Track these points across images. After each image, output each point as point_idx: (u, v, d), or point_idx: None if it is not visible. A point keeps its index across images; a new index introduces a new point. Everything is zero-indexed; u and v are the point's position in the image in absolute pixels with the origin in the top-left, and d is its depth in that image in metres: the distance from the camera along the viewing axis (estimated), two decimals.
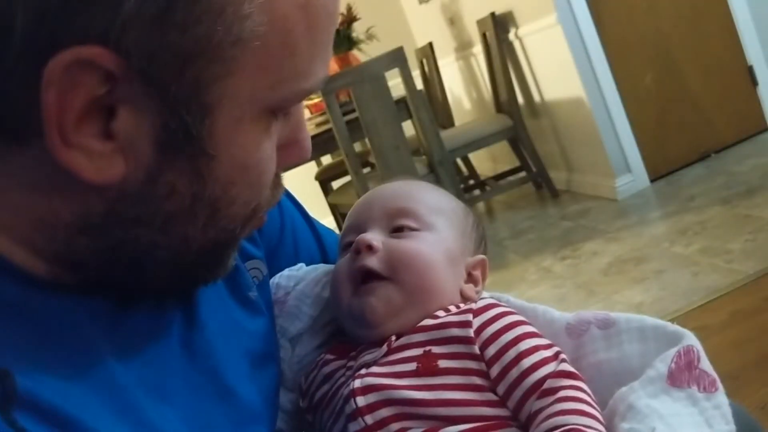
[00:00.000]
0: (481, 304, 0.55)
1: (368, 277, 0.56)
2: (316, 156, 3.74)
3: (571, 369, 0.51)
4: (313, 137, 3.13)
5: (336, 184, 4.06)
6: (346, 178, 3.65)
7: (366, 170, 3.32)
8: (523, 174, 3.72)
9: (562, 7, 3.04)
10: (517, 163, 3.81)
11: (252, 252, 0.61)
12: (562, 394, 0.48)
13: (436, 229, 0.59)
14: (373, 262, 0.56)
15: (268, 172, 0.46)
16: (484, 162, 4.59)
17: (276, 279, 0.63)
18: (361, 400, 0.50)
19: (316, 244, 0.70)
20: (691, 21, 3.17)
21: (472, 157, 4.16)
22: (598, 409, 0.48)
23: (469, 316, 0.53)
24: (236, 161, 0.43)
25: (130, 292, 0.47)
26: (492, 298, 0.61)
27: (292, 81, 0.43)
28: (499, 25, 3.50)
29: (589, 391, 0.50)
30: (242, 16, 0.38)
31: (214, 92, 0.40)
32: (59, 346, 0.42)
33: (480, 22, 3.68)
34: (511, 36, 3.52)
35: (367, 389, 0.51)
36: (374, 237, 0.57)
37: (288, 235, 0.67)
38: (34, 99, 0.37)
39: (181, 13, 0.37)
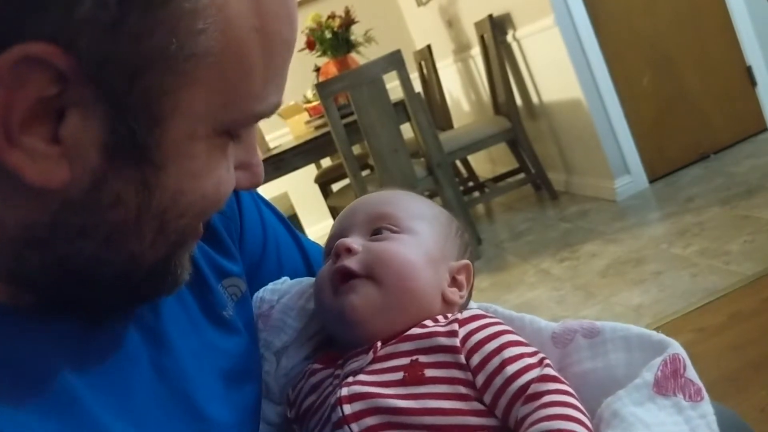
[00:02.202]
0: (467, 314, 0.56)
1: (348, 277, 0.56)
2: (315, 159, 3.75)
3: (555, 373, 0.51)
4: (312, 140, 3.16)
5: (336, 187, 4.06)
6: (346, 181, 3.65)
7: (365, 173, 3.32)
8: (521, 176, 3.72)
9: (559, 9, 3.04)
10: (515, 165, 3.81)
11: (229, 269, 0.60)
12: (547, 399, 0.48)
13: (416, 232, 0.60)
14: (351, 262, 0.56)
15: (226, 188, 0.46)
16: (483, 164, 4.59)
17: (260, 293, 0.63)
18: (347, 408, 0.51)
19: (300, 258, 0.70)
20: (689, 21, 3.17)
21: (471, 159, 4.16)
22: (585, 412, 0.48)
23: (455, 326, 0.54)
24: (186, 172, 0.42)
25: (90, 312, 0.46)
26: (479, 308, 0.61)
27: (246, 102, 0.43)
28: (497, 27, 3.50)
29: (575, 394, 0.49)
30: (196, 32, 0.38)
31: (166, 104, 0.40)
32: (17, 374, 0.42)
33: (478, 25, 3.68)
34: (509, 38, 3.52)
35: (353, 397, 0.51)
36: (354, 240, 0.58)
37: (271, 249, 0.67)
38: None
39: (134, 23, 0.37)
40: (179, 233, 0.45)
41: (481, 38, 3.68)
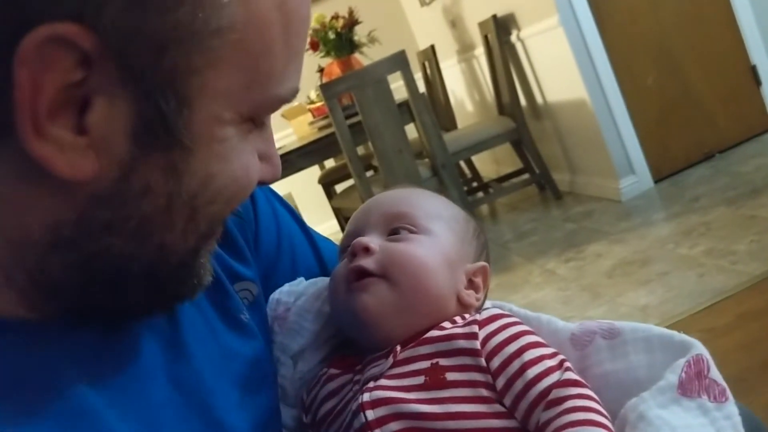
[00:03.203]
0: (485, 315, 0.55)
1: (363, 276, 0.56)
2: (319, 160, 3.74)
3: (576, 377, 0.50)
4: (316, 141, 3.16)
5: (339, 188, 4.06)
6: (350, 182, 3.65)
7: (369, 173, 3.32)
8: (526, 176, 3.71)
9: (564, 9, 3.04)
10: (519, 165, 3.81)
11: (242, 273, 0.60)
12: (569, 404, 0.48)
13: (434, 233, 0.59)
14: (367, 262, 0.56)
15: (255, 172, 0.46)
16: (487, 164, 4.58)
17: (276, 295, 0.63)
18: (370, 414, 0.50)
19: (314, 257, 0.69)
20: (693, 21, 3.16)
21: (475, 159, 4.16)
22: (608, 416, 0.48)
23: (475, 328, 0.53)
24: (216, 155, 0.42)
25: (111, 318, 0.46)
26: (495, 307, 0.60)
27: (267, 83, 0.43)
28: (501, 27, 3.50)
29: (596, 398, 0.49)
30: (220, 5, 0.38)
31: (193, 84, 0.39)
32: (34, 389, 0.41)
33: (482, 25, 3.68)
34: (513, 38, 3.52)
35: (376, 402, 0.51)
36: (371, 240, 0.58)
37: (286, 248, 0.66)
38: (8, 88, 0.36)
39: None
40: (209, 221, 0.45)
41: (485, 38, 3.67)
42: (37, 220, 0.41)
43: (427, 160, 3.24)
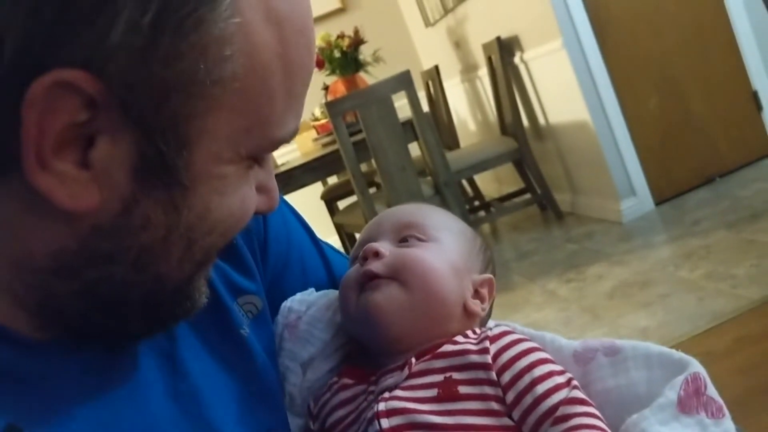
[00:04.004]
0: (496, 331, 0.57)
1: (374, 279, 0.58)
2: (322, 176, 3.76)
3: (583, 396, 0.52)
4: (320, 158, 3.18)
5: (342, 204, 4.07)
6: (352, 198, 3.67)
7: (371, 190, 3.34)
8: (527, 196, 3.73)
9: (567, 32, 3.07)
10: (521, 185, 3.83)
11: (246, 287, 0.61)
12: (575, 422, 0.49)
13: (442, 241, 0.61)
14: (378, 265, 0.58)
15: (251, 204, 0.47)
16: (489, 183, 4.61)
17: (288, 303, 0.64)
18: (385, 423, 0.52)
19: (324, 269, 0.70)
20: (695, 46, 3.20)
21: (477, 178, 4.18)
22: None
23: (487, 343, 0.55)
24: (213, 191, 0.44)
25: (111, 340, 0.47)
26: (501, 325, 0.62)
27: (267, 127, 0.44)
28: (505, 48, 3.53)
29: (601, 417, 0.50)
30: (224, 57, 0.40)
31: (194, 127, 0.41)
32: (45, 408, 0.43)
33: (486, 46, 3.71)
34: (517, 60, 3.55)
35: (391, 412, 0.52)
36: (381, 245, 0.60)
37: (295, 259, 0.67)
38: (15, 124, 0.37)
39: (165, 48, 0.38)
40: (204, 252, 0.46)
41: (489, 59, 3.71)
42: (42, 248, 0.42)
43: (429, 178, 3.26)
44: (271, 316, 0.64)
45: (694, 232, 2.75)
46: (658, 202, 3.20)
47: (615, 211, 3.20)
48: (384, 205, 3.11)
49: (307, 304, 0.64)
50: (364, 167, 3.42)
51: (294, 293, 0.65)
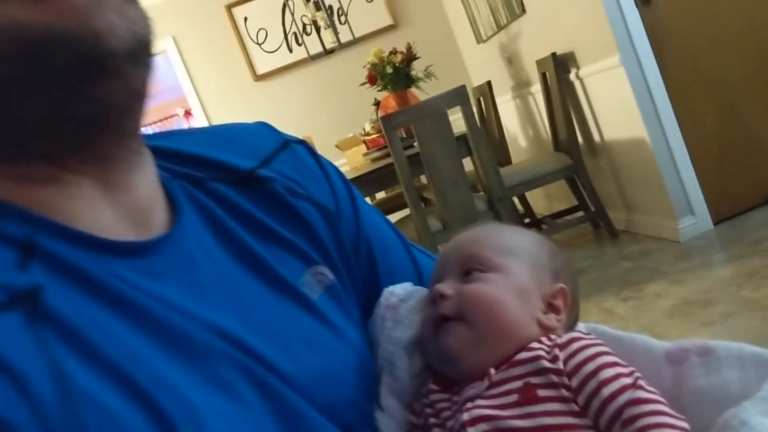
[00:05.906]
0: (565, 338, 0.58)
1: (443, 321, 0.61)
2: (372, 191, 3.79)
3: (647, 395, 0.52)
4: (370, 173, 3.20)
5: (392, 218, 4.09)
6: (403, 212, 3.68)
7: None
8: (580, 213, 3.70)
9: (625, 49, 3.05)
10: (572, 202, 3.79)
11: (315, 258, 0.61)
12: (641, 423, 0.50)
13: (503, 268, 0.63)
14: (445, 307, 0.61)
15: None
16: (540, 200, 4.58)
17: (390, 288, 0.66)
18: (471, 431, 0.54)
19: (414, 272, 0.71)
20: (755, 62, 3.14)
21: (528, 195, 4.15)
22: (679, 420, 0.50)
23: (556, 350, 0.57)
24: None
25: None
26: (587, 329, 0.63)
27: None
28: (560, 65, 3.52)
29: (669, 411, 0.52)
30: None
31: None
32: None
33: (540, 62, 3.71)
34: (572, 76, 3.54)
35: (475, 420, 0.54)
36: (447, 286, 0.62)
37: (383, 259, 0.69)
38: None
39: None
40: None
41: (543, 75, 3.70)
42: None
43: (482, 193, 3.25)
44: (362, 311, 0.64)
45: (755, 251, 2.69)
46: (717, 221, 3.14)
47: (672, 229, 3.15)
48: (436, 219, 3.12)
49: (407, 292, 0.66)
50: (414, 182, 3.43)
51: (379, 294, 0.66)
